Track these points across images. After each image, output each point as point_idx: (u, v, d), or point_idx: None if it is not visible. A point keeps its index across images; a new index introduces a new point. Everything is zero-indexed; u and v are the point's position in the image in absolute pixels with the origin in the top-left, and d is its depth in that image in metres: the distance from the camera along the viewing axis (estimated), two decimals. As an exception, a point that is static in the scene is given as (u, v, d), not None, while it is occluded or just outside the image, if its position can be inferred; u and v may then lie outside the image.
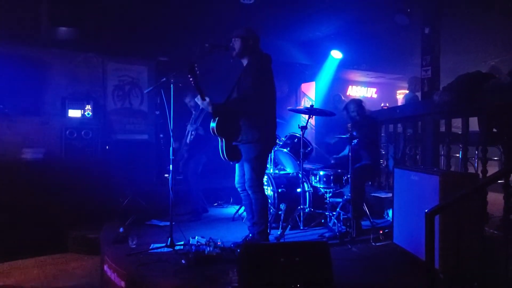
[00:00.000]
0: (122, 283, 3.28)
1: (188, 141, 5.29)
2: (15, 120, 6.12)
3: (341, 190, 4.77)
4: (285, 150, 4.87)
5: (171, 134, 3.85)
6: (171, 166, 3.86)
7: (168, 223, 3.82)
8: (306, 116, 4.79)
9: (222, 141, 3.69)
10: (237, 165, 3.91)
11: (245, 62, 3.79)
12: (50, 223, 5.24)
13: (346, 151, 4.86)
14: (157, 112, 7.30)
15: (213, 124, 3.61)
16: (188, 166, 5.31)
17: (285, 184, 4.72)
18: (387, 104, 8.29)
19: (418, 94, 6.90)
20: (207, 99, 3.54)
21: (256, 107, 3.58)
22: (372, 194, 5.44)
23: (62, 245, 5.12)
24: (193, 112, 5.42)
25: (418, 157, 5.18)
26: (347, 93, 10.92)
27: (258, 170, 3.68)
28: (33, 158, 5.92)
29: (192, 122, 5.32)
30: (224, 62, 4.19)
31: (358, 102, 5.00)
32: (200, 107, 5.20)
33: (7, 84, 5.91)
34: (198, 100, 3.57)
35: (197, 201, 5.31)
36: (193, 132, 5.21)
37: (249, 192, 3.72)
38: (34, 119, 6.30)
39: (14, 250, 4.84)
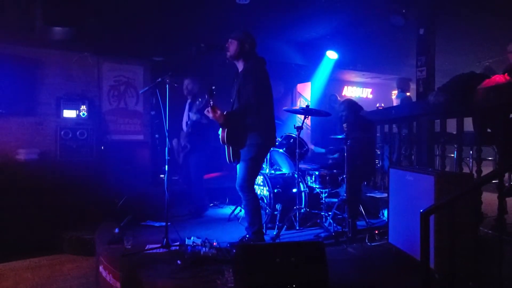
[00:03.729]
0: (118, 284, 3.27)
1: (186, 129, 5.12)
2: (9, 121, 6.10)
3: (337, 190, 4.78)
4: (281, 150, 4.87)
5: (167, 134, 3.85)
6: (166, 166, 3.87)
7: (163, 224, 3.81)
8: (302, 117, 4.80)
9: (229, 147, 3.73)
10: (238, 166, 3.92)
11: (240, 65, 3.80)
12: (45, 224, 5.20)
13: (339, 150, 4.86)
14: (153, 113, 7.29)
15: (222, 134, 3.64)
16: (189, 160, 5.17)
17: (281, 184, 4.71)
18: (382, 105, 8.33)
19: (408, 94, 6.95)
20: (219, 111, 3.54)
21: (257, 113, 3.61)
22: (368, 194, 5.46)
23: (57, 246, 5.08)
24: (188, 98, 5.24)
25: (413, 157, 5.20)
26: (343, 93, 10.97)
27: (252, 171, 3.70)
28: (27, 159, 5.89)
29: (193, 110, 5.08)
30: (220, 61, 4.19)
31: (348, 102, 5.01)
32: (198, 99, 5.07)
33: (1, 84, 5.88)
34: (208, 113, 3.58)
35: (202, 198, 5.25)
36: (191, 119, 5.04)
37: (240, 193, 3.73)
38: (29, 119, 6.27)
39: (8, 252, 4.80)
